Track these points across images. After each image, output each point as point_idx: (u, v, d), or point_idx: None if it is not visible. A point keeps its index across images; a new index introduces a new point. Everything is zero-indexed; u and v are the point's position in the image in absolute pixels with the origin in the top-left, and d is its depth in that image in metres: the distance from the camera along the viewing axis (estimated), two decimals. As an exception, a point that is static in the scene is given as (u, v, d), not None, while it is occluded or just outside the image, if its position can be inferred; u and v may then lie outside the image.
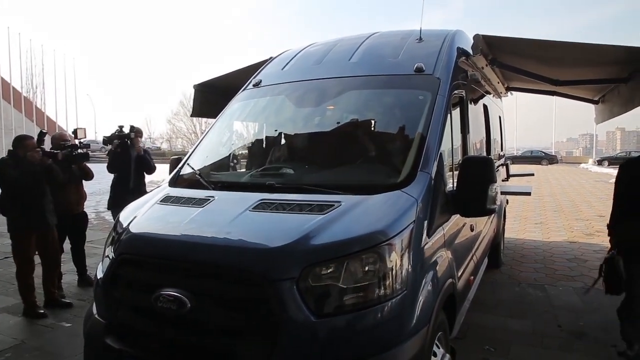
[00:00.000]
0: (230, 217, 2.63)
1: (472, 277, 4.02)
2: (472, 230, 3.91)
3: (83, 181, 5.88)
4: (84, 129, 5.95)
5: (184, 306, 2.33)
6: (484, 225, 4.74)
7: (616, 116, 5.74)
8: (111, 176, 6.47)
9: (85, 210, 6.07)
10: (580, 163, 46.59)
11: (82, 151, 5.63)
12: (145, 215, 2.98)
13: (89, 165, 5.84)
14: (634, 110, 5.11)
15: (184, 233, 2.65)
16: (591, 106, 7.30)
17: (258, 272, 2.26)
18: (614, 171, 32.84)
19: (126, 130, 6.26)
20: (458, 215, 3.19)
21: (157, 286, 2.45)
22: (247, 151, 3.97)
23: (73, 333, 4.40)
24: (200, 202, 2.90)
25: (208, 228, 2.64)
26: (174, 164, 3.85)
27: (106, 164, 6.38)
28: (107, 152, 6.71)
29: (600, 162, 46.99)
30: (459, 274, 3.36)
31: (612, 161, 46.51)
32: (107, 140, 6.37)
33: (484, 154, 4.87)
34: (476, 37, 4.17)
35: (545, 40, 4.44)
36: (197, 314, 2.36)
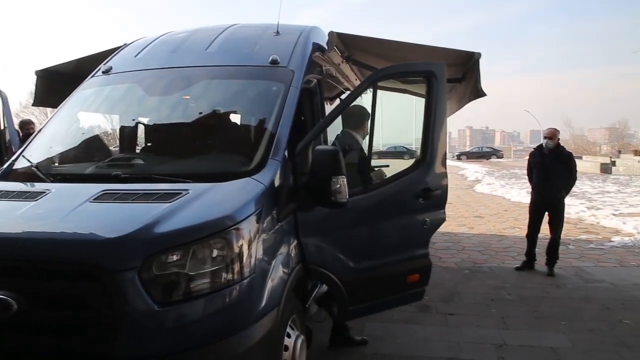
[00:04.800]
0: (67, 210, 2.45)
1: (409, 276, 3.74)
2: (388, 222, 3.61)
3: None
4: None
5: (9, 309, 2.13)
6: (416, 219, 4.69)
7: (454, 112, 6.45)
8: None
9: None
10: (458, 158, 51.15)
11: None
12: None
13: None
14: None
15: (11, 229, 2.40)
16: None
17: (95, 265, 2.15)
18: (462, 164, 37.05)
19: None
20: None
21: None
22: (93, 142, 3.71)
23: None
24: (33, 196, 2.65)
25: (40, 222, 2.43)
26: None
27: None
28: None
29: (459, 157, 52.36)
30: (358, 266, 3.33)
31: (470, 156, 51.98)
32: None
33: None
34: (330, 34, 4.39)
35: (391, 40, 4.83)
36: (28, 316, 2.17)
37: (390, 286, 3.64)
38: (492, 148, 61.53)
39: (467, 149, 61.73)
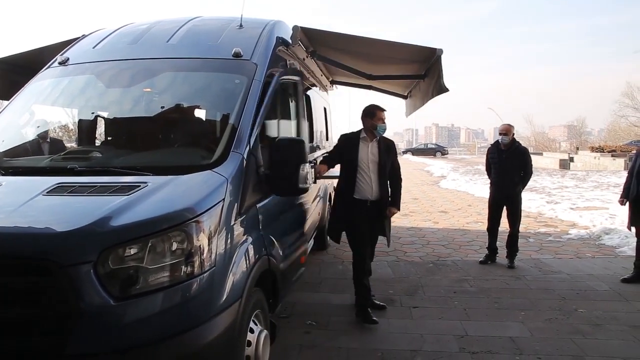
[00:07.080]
0: (18, 203, 2.36)
1: (302, 257, 4.17)
2: (297, 211, 4.06)
3: None
4: None
5: None
6: (311, 207, 4.98)
7: (418, 109, 6.52)
8: None
9: None
10: (404, 154, 53.74)
11: None
12: None
13: None
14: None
15: None
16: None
17: (47, 259, 2.08)
18: (428, 160, 37.94)
19: None
20: (278, 197, 3.29)
21: None
22: (50, 134, 3.58)
23: None
24: None
25: None
26: None
27: None
28: None
29: (405, 153, 55.80)
30: (285, 253, 3.45)
31: (415, 152, 54.90)
32: None
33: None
34: (294, 28, 4.35)
35: (356, 35, 4.83)
36: None
37: (294, 268, 3.88)
38: (437, 145, 65.94)
39: (413, 146, 65.81)
